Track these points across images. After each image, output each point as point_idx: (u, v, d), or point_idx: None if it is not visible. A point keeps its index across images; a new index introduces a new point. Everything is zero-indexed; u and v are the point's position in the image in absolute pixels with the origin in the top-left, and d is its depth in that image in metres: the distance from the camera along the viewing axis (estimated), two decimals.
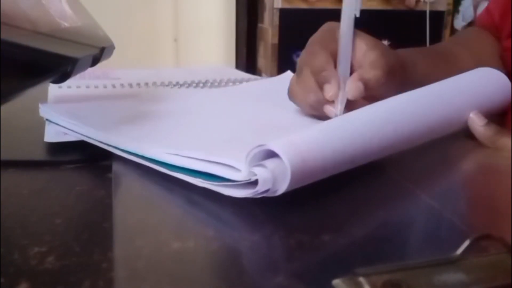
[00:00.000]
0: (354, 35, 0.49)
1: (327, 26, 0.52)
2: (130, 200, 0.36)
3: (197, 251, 0.28)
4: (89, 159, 0.42)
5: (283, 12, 1.86)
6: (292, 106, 0.55)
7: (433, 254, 0.23)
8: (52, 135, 0.45)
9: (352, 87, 0.46)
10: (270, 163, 0.31)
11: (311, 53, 0.49)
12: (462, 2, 1.96)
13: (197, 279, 0.26)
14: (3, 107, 0.36)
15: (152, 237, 0.29)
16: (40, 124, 0.47)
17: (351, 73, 0.48)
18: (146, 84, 0.68)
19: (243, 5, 2.00)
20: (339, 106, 0.46)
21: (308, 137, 0.33)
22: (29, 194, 0.36)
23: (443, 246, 0.29)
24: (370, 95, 0.47)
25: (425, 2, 1.95)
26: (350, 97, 0.46)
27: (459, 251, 0.23)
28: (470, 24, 1.89)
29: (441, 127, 0.43)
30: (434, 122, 0.42)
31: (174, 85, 0.68)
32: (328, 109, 0.47)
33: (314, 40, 0.51)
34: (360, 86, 0.46)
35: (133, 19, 1.95)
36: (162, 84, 0.68)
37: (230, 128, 0.47)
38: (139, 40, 1.93)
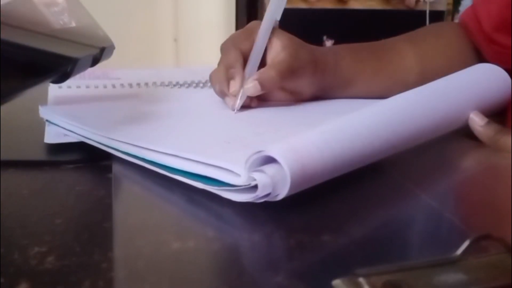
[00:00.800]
0: (274, 34, 0.54)
1: (250, 24, 0.57)
2: (130, 200, 0.36)
3: (197, 251, 0.28)
4: (89, 159, 0.42)
5: (283, 12, 1.86)
6: (291, 106, 0.55)
7: (433, 254, 0.23)
8: (52, 136, 0.45)
9: (250, 85, 0.51)
10: (270, 168, 0.31)
11: (226, 50, 0.55)
12: (462, 2, 1.96)
13: (197, 279, 0.26)
14: (3, 107, 0.36)
15: (152, 237, 0.29)
16: (40, 124, 0.47)
17: None
18: (146, 84, 0.68)
19: (243, 5, 2.00)
20: (238, 101, 0.52)
21: (307, 141, 0.33)
22: (29, 194, 0.36)
23: (443, 246, 0.29)
24: (285, 88, 0.54)
25: (425, 2, 1.95)
26: (248, 93, 0.52)
27: (459, 251, 0.23)
28: None
29: (442, 126, 0.43)
30: (434, 121, 0.42)
31: (174, 85, 0.68)
32: (227, 100, 0.53)
33: (232, 36, 0.56)
34: (256, 85, 0.51)
35: (133, 19, 1.95)
36: (162, 84, 0.68)
37: (230, 128, 0.47)
38: (139, 40, 1.93)
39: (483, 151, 0.47)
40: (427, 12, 1.93)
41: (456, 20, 2.00)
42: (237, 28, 2.07)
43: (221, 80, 0.53)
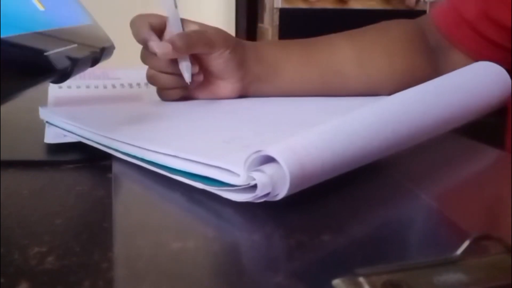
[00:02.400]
0: (189, 22, 0.58)
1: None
2: (130, 200, 0.36)
3: (197, 251, 0.28)
4: (89, 159, 0.42)
5: (283, 12, 1.86)
6: (291, 106, 0.55)
7: (433, 254, 0.23)
8: (51, 136, 0.45)
9: (163, 46, 0.53)
10: (269, 168, 0.31)
11: (133, 24, 0.57)
12: None
13: (197, 279, 0.26)
14: (3, 107, 0.36)
15: (152, 237, 0.29)
16: (40, 124, 0.48)
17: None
18: (146, 84, 0.68)
19: (243, 5, 2.00)
20: (186, 74, 0.55)
21: (306, 141, 0.33)
22: (29, 194, 0.36)
23: (443, 246, 0.29)
24: (206, 68, 0.56)
25: (425, 2, 1.95)
26: (159, 54, 0.53)
27: (459, 251, 0.23)
28: None
29: (441, 125, 0.43)
30: (433, 120, 0.42)
31: None
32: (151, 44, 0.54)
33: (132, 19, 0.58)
34: (168, 46, 0.53)
35: None
36: None
37: (230, 128, 0.47)
38: None
39: (483, 151, 0.47)
40: (427, 12, 1.93)
41: None
42: (237, 28, 2.07)
43: (149, 58, 0.56)
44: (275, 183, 0.31)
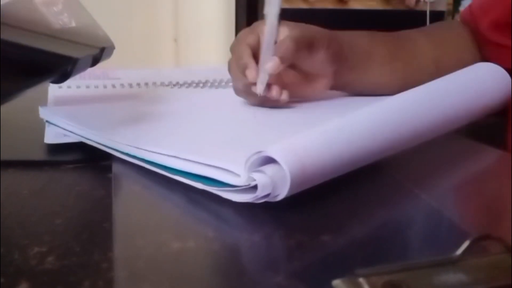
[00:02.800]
0: (280, 25, 0.53)
1: (254, 24, 0.57)
2: (130, 200, 0.36)
3: (197, 251, 0.28)
4: (89, 159, 0.42)
5: (283, 12, 1.86)
6: (291, 106, 0.55)
7: (433, 254, 0.23)
8: (51, 136, 0.45)
9: (269, 63, 0.51)
10: (269, 168, 0.31)
11: (233, 49, 0.56)
12: (462, 2, 1.96)
13: (197, 279, 0.26)
14: (3, 107, 0.37)
15: (152, 237, 0.29)
16: (40, 124, 0.47)
17: None
18: (146, 84, 0.68)
19: (243, 5, 2.00)
20: (259, 85, 0.51)
21: (307, 142, 0.33)
22: (29, 194, 0.36)
23: (443, 246, 0.29)
24: (300, 72, 0.55)
25: (425, 2, 1.95)
26: (269, 71, 0.51)
27: (459, 251, 0.23)
28: None
29: (442, 125, 0.43)
30: (434, 120, 0.42)
31: (174, 85, 0.68)
32: (253, 88, 0.52)
33: (237, 36, 0.57)
34: (275, 59, 0.51)
35: (133, 19, 1.94)
36: (162, 84, 0.68)
37: (230, 128, 0.47)
38: (139, 40, 1.93)
39: (483, 151, 0.47)
40: (427, 12, 1.93)
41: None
42: (237, 28, 2.07)
43: (237, 75, 0.54)
44: (275, 184, 0.31)
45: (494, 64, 0.50)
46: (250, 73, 0.52)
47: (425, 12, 1.93)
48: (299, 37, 0.53)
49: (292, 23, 0.55)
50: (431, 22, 1.93)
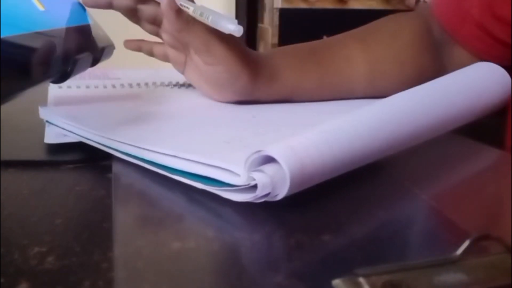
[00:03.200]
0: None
1: None
2: (130, 200, 0.36)
3: (197, 251, 0.28)
4: (89, 159, 0.42)
5: (283, 12, 1.86)
6: (292, 107, 0.55)
7: (433, 254, 0.23)
8: (52, 136, 0.45)
9: None
10: (269, 168, 0.31)
11: None
12: None
13: (197, 279, 0.26)
14: (3, 107, 0.37)
15: (152, 237, 0.29)
16: (40, 124, 0.47)
17: None
18: (146, 84, 0.68)
19: (243, 5, 2.00)
20: None
21: (306, 141, 0.33)
22: (29, 194, 0.36)
23: (443, 246, 0.29)
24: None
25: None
26: None
27: (459, 251, 0.23)
28: None
29: (441, 125, 0.43)
30: (433, 120, 0.42)
31: (174, 85, 0.68)
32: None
33: None
34: None
35: None
36: (162, 84, 0.68)
37: (230, 128, 0.47)
38: None
39: (483, 151, 0.47)
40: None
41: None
42: None
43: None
44: (275, 183, 0.31)
45: (494, 64, 0.50)
46: None
47: None
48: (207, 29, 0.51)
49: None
50: None
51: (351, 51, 0.60)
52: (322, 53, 0.60)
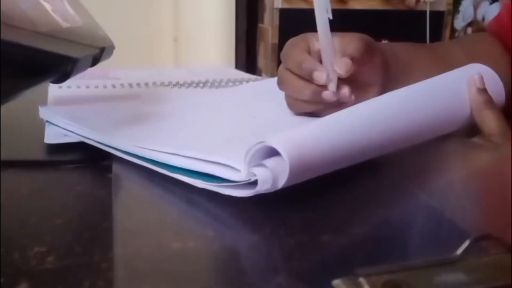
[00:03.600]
0: (333, 36, 0.50)
1: (299, 36, 0.53)
2: (130, 200, 0.36)
3: (197, 251, 0.28)
4: (89, 159, 0.42)
5: (283, 12, 1.86)
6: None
7: (433, 254, 0.23)
8: (52, 136, 0.45)
9: (341, 64, 0.47)
10: (269, 162, 0.31)
11: (286, 55, 0.51)
12: (462, 2, 1.96)
13: (197, 279, 0.26)
14: (3, 107, 0.36)
15: (152, 237, 0.29)
16: (40, 124, 0.47)
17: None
18: (146, 84, 0.68)
19: (243, 5, 2.00)
20: (332, 84, 0.48)
21: (305, 132, 0.34)
22: (29, 194, 0.36)
23: (443, 246, 0.29)
24: (356, 80, 0.50)
25: (425, 2, 1.95)
26: (343, 73, 0.47)
27: (459, 251, 0.23)
28: (470, 24, 1.89)
29: (439, 121, 0.44)
30: (431, 117, 0.42)
31: (174, 85, 0.68)
32: (326, 93, 0.48)
33: (286, 45, 0.52)
34: (347, 60, 0.47)
35: (133, 19, 1.95)
36: (162, 84, 0.68)
37: (230, 128, 0.47)
38: (139, 40, 1.93)
39: (483, 151, 0.47)
40: (427, 12, 1.93)
41: (456, 20, 2.00)
42: (237, 28, 2.07)
43: (302, 85, 0.49)
44: (275, 176, 0.31)
45: (486, 66, 0.51)
46: (321, 76, 0.47)
47: (425, 12, 1.94)
48: (361, 40, 0.50)
49: (339, 34, 0.51)
50: (431, 22, 1.93)
51: (450, 46, 0.65)
52: (424, 44, 0.64)
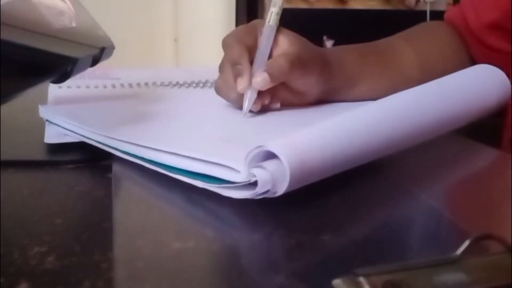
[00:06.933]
0: (278, 32, 0.51)
1: (252, 22, 0.54)
2: (130, 200, 0.36)
3: (197, 251, 0.28)
4: (89, 159, 0.42)
5: (283, 12, 1.86)
6: (292, 107, 0.55)
7: (433, 255, 0.23)
8: (52, 136, 0.45)
9: (258, 78, 0.47)
10: (269, 164, 0.31)
11: (228, 46, 0.51)
12: None
13: (197, 279, 0.26)
14: (3, 107, 0.37)
15: (152, 237, 0.29)
16: (40, 124, 0.47)
17: None
18: (146, 84, 0.68)
19: (243, 5, 2.00)
20: (247, 103, 0.48)
21: (306, 137, 0.33)
22: (29, 194, 0.36)
23: (443, 246, 0.29)
24: (288, 87, 0.51)
25: (425, 2, 1.95)
26: (257, 87, 0.48)
27: (459, 251, 0.23)
28: None
29: (441, 126, 0.43)
30: (433, 120, 0.42)
31: (174, 85, 0.68)
32: (243, 111, 0.48)
33: (233, 32, 0.53)
34: (265, 76, 0.47)
35: (133, 19, 1.94)
36: (162, 84, 0.68)
37: (230, 128, 0.47)
38: (139, 40, 1.93)
39: (483, 151, 0.47)
40: (427, 12, 1.93)
41: None
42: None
43: (232, 85, 0.49)
44: (275, 179, 0.31)
45: (493, 66, 0.50)
46: (241, 83, 0.48)
47: (425, 12, 1.94)
48: (295, 58, 0.49)
49: (291, 34, 0.52)
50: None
51: (399, 45, 0.64)
52: (376, 47, 0.63)
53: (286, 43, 0.51)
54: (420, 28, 0.69)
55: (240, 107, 0.50)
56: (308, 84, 0.52)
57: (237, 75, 0.49)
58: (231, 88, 0.50)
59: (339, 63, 0.56)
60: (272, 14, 0.52)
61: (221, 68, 0.52)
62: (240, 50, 0.50)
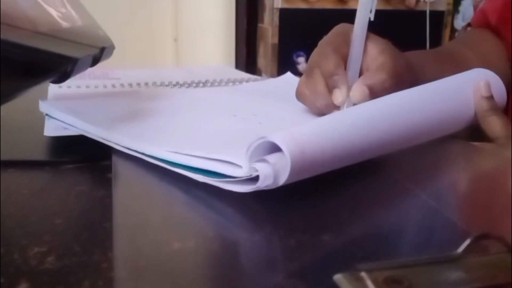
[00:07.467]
0: (367, 39, 0.49)
1: (340, 28, 0.51)
2: (130, 200, 0.36)
3: (197, 251, 0.28)
4: (89, 159, 0.42)
5: (283, 12, 1.86)
6: (292, 106, 0.55)
7: (433, 254, 0.23)
8: (51, 129, 0.45)
9: (356, 92, 0.46)
10: (271, 157, 0.31)
11: (323, 55, 0.49)
12: (462, 2, 1.96)
13: (197, 279, 0.26)
14: (3, 107, 0.36)
15: (152, 237, 0.29)
16: (40, 124, 0.47)
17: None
18: (146, 84, 0.68)
19: (243, 5, 2.00)
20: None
21: (307, 129, 0.34)
22: (29, 194, 0.36)
23: (443, 246, 0.29)
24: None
25: (425, 2, 1.95)
26: (355, 101, 0.46)
27: (460, 249, 0.23)
28: (470, 24, 1.89)
29: (440, 124, 0.44)
30: (432, 118, 0.42)
31: (174, 85, 0.68)
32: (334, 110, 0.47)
33: (326, 41, 0.50)
34: (365, 90, 0.46)
35: (133, 19, 1.95)
36: (162, 84, 0.68)
37: (230, 128, 0.47)
38: (139, 40, 1.93)
39: (483, 151, 0.46)
40: (427, 12, 1.93)
41: (456, 20, 2.00)
42: (237, 28, 2.07)
43: (322, 92, 0.48)
44: (277, 172, 0.31)
45: (489, 71, 0.51)
46: (340, 96, 0.47)
47: (425, 12, 1.94)
48: (392, 71, 0.47)
49: (381, 42, 0.50)
50: (431, 22, 1.93)
51: (462, 51, 0.65)
52: (443, 52, 0.64)
53: (376, 50, 0.49)
54: (471, 35, 0.71)
55: (319, 115, 0.48)
56: (396, 91, 0.50)
57: (333, 86, 0.47)
58: (321, 96, 0.48)
59: (421, 68, 0.55)
60: (359, 18, 0.50)
61: (309, 74, 0.50)
62: (337, 60, 0.48)
